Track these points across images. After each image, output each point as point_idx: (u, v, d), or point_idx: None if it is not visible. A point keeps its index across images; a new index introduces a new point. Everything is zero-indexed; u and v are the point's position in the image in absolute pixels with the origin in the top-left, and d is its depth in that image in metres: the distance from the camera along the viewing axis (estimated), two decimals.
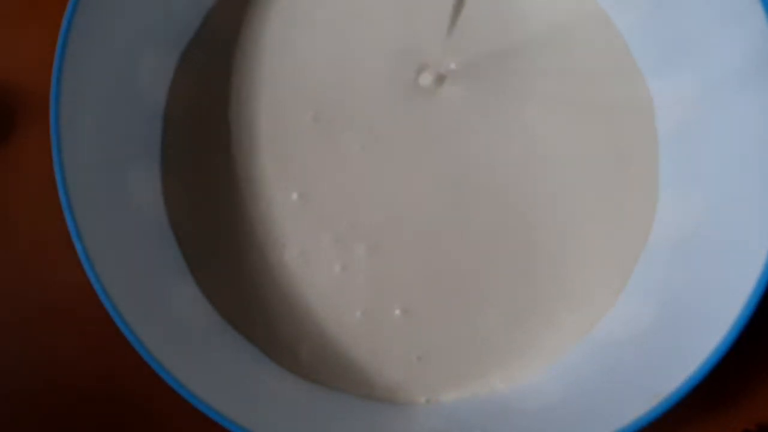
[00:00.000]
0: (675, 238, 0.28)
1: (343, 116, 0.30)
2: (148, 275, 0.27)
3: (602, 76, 0.31)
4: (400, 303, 0.29)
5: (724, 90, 0.28)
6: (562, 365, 0.28)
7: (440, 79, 0.30)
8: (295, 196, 0.29)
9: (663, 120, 0.30)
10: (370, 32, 0.31)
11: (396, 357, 0.28)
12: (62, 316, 0.29)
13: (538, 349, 0.28)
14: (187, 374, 0.24)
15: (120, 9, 0.27)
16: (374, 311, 0.29)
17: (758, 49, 0.26)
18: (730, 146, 0.27)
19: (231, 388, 0.26)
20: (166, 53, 0.30)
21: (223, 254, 0.29)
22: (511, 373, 0.28)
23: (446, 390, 0.28)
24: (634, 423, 0.24)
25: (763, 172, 0.26)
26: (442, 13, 0.30)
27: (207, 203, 0.29)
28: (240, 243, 0.29)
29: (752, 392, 0.28)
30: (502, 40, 0.31)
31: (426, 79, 0.30)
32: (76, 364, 0.29)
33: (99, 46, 0.27)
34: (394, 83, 0.30)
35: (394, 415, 0.28)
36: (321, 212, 0.29)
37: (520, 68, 0.30)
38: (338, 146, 0.30)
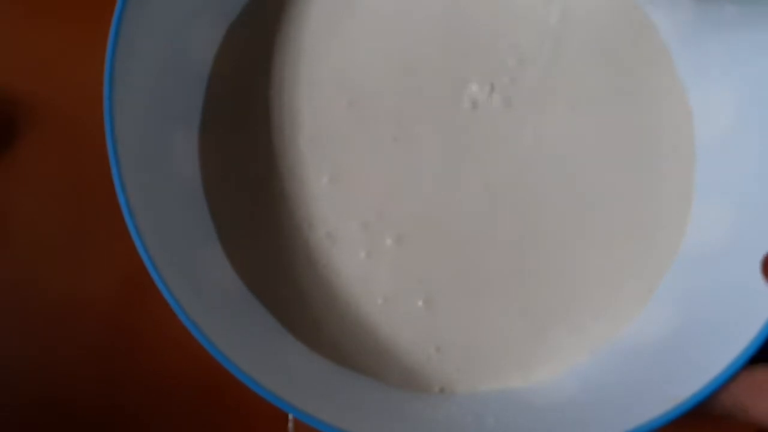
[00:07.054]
0: (704, 248, 0.28)
1: (377, 106, 0.30)
2: (178, 235, 0.27)
3: (642, 86, 0.30)
4: (423, 294, 0.29)
5: (763, 102, 0.28)
6: (581, 365, 0.28)
7: (487, 94, 0.30)
8: (326, 179, 0.30)
9: (701, 131, 0.30)
10: (415, 27, 0.31)
11: (414, 345, 0.28)
12: (60, 322, 0.29)
13: (558, 351, 0.28)
14: (211, 330, 0.24)
15: None
16: (396, 299, 0.29)
17: None
18: (766, 159, 0.27)
19: (250, 351, 0.26)
20: (215, 24, 0.30)
21: (252, 225, 0.29)
22: (529, 372, 0.28)
23: (461, 382, 0.28)
24: (648, 424, 0.24)
25: None
26: (490, 22, 0.31)
27: (241, 174, 0.30)
28: (268, 216, 0.29)
29: None
30: (541, 49, 0.31)
31: (473, 94, 0.30)
32: (76, 372, 0.29)
33: (154, 12, 0.27)
34: (431, 82, 0.30)
35: (408, 401, 0.28)
36: (350, 198, 0.29)
37: (559, 77, 0.30)
38: (371, 135, 0.30)
